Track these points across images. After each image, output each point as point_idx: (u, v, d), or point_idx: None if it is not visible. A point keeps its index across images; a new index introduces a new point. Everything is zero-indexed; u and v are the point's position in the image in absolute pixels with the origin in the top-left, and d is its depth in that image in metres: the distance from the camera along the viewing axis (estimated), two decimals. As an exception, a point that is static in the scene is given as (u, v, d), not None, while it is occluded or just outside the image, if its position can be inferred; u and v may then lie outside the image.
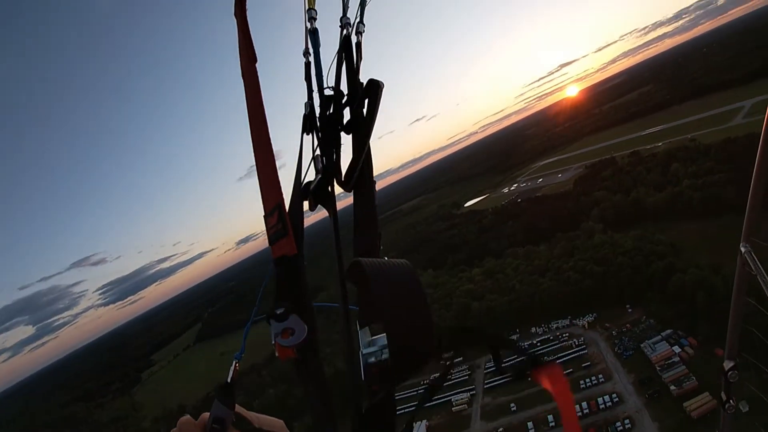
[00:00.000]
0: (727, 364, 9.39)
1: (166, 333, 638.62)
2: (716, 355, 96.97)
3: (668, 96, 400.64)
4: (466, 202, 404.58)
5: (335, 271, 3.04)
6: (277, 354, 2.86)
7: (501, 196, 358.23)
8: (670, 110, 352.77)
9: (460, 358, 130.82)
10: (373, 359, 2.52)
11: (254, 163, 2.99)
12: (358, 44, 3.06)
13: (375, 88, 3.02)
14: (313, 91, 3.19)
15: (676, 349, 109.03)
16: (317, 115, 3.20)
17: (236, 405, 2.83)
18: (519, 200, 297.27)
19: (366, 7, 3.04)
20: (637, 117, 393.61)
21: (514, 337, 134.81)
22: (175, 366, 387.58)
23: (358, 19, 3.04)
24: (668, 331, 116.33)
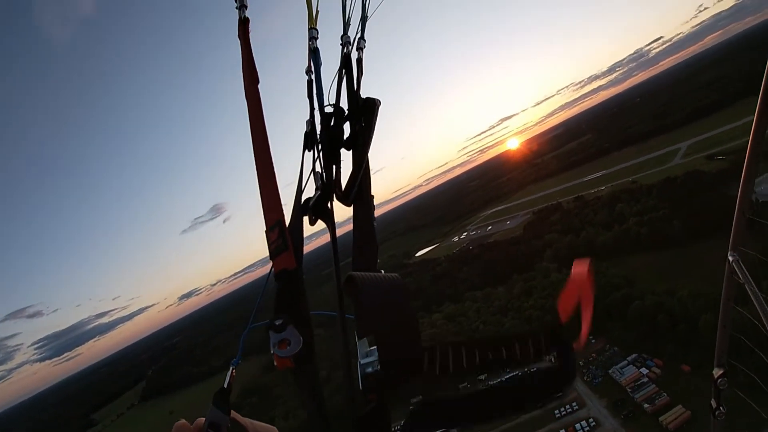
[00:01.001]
0: (717, 372, 10.01)
1: (107, 391, 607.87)
2: (683, 371, 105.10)
3: (606, 144, 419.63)
4: (417, 252, 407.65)
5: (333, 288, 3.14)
6: (275, 363, 2.91)
7: (452, 244, 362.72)
8: (609, 157, 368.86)
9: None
10: (370, 369, 2.56)
11: (257, 179, 3.03)
12: (359, 60, 3.22)
13: (372, 105, 3.18)
14: (314, 108, 3.33)
15: (644, 370, 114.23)
16: (318, 131, 3.32)
17: (231, 411, 2.85)
18: (471, 247, 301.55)
19: (366, 24, 3.18)
20: (577, 165, 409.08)
21: (482, 377, 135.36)
22: (119, 426, 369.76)
23: (359, 35, 3.18)
24: (633, 356, 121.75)
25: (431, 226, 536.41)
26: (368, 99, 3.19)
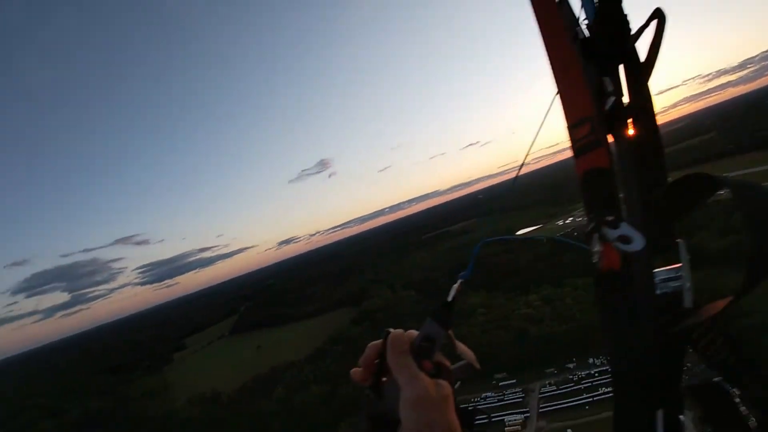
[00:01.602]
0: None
1: (200, 320, 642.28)
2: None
3: (731, 145, 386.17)
4: (519, 230, 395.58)
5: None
6: (601, 263, 2.60)
7: (556, 227, 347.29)
8: (734, 159, 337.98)
9: (513, 381, 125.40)
10: (672, 288, 2.42)
11: (552, 72, 2.70)
12: None
13: (662, 16, 2.87)
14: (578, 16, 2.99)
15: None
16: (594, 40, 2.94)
17: (450, 328, 2.75)
18: (575, 233, 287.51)
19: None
20: (698, 163, 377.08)
21: (571, 366, 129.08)
22: (208, 352, 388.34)
23: None
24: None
25: (537, 206, 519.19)
26: (658, 9, 2.84)
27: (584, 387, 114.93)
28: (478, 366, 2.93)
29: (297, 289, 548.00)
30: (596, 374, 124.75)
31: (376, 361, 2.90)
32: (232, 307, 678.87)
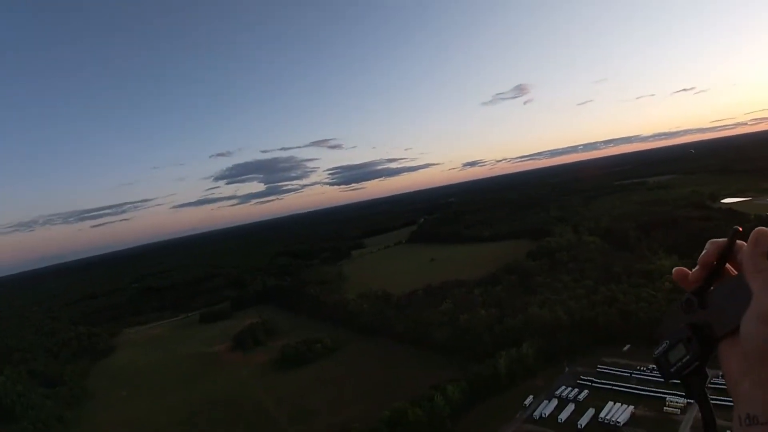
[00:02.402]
0: None
1: (380, 225, 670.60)
2: None
3: None
4: (724, 198, 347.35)
5: None
6: None
7: (763, 205, 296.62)
8: None
9: None
10: None
11: None
12: None
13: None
14: None
15: None
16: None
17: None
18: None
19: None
20: None
21: (626, 348, 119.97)
22: (383, 255, 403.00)
23: None
24: None
25: (749, 174, 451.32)
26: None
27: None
28: None
29: (476, 212, 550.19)
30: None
31: (714, 262, 2.72)
32: (412, 218, 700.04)
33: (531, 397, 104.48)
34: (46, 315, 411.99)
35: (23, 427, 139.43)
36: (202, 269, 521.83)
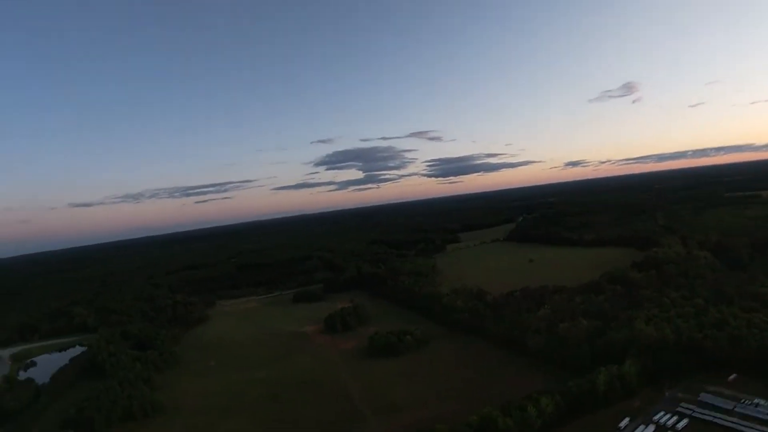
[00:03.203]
0: None
1: (476, 220, 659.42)
2: None
3: None
4: None
5: None
6: None
7: None
8: None
9: None
10: None
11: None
12: None
13: None
14: None
15: None
16: None
17: None
18: None
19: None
20: None
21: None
22: (479, 251, 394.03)
23: None
24: None
25: None
26: None
27: None
28: None
29: (578, 214, 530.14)
30: None
31: None
32: (510, 216, 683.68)
33: (627, 419, 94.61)
34: (148, 281, 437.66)
35: (110, 386, 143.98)
36: (298, 250, 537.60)
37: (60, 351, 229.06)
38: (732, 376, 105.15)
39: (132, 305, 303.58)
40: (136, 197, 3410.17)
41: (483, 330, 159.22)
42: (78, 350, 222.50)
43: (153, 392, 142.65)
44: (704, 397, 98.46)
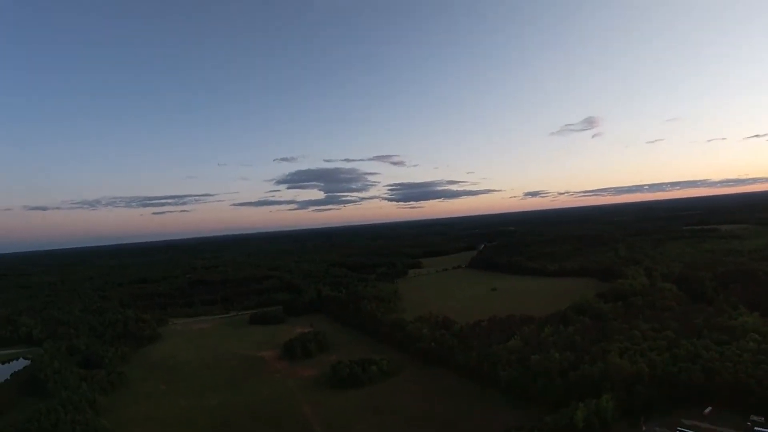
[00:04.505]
0: None
1: (438, 246, 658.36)
2: None
3: None
4: None
5: None
6: None
7: None
8: None
9: None
10: None
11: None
12: None
13: None
14: None
15: None
16: None
17: None
18: None
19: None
20: None
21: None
22: (442, 278, 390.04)
23: None
24: None
25: None
26: None
27: None
28: None
29: (540, 243, 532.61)
30: None
31: None
32: (471, 243, 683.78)
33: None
34: (97, 293, 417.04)
35: (52, 407, 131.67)
36: (257, 269, 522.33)
37: (2, 363, 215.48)
38: (707, 409, 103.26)
39: (81, 318, 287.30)
40: (92, 204, 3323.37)
41: (450, 361, 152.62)
42: (21, 363, 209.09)
43: (97, 417, 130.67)
44: (682, 430, 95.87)
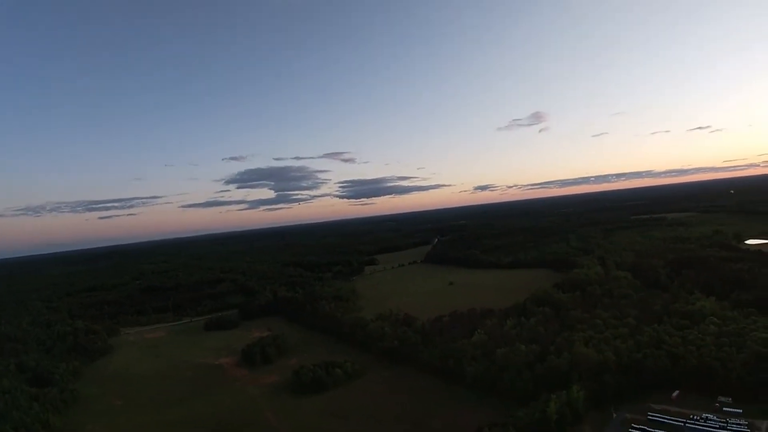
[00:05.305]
0: None
1: (392, 242, 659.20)
2: None
3: None
4: (748, 239, 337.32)
5: None
6: None
7: None
8: None
9: (739, 410, 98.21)
10: None
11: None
12: None
13: None
14: None
15: None
16: None
17: None
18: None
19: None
20: None
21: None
22: (398, 274, 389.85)
23: None
24: None
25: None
26: None
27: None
28: None
29: (492, 236, 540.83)
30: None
31: None
32: (425, 238, 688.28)
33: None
34: (45, 304, 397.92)
35: (4, 430, 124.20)
36: (208, 272, 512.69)
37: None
38: (675, 393, 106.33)
39: (29, 332, 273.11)
40: (36, 210, 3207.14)
41: (414, 358, 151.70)
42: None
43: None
44: (653, 415, 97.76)
